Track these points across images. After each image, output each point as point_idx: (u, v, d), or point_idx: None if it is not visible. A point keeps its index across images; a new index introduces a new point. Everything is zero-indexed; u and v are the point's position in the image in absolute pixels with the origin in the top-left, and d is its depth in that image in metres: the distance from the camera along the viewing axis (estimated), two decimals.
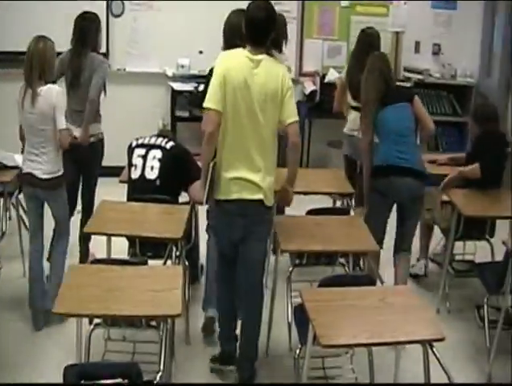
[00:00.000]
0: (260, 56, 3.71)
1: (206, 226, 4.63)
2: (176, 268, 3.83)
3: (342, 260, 4.32)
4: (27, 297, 4.56)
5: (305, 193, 5.03)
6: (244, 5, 3.79)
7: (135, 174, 4.58)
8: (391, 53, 7.28)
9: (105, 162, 6.99)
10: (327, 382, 3.91)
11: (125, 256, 4.28)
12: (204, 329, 4.42)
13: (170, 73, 7.17)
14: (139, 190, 4.51)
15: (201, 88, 6.87)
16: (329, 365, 3.91)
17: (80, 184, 5.30)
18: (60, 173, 4.49)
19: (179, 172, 4.56)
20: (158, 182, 4.51)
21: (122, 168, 4.97)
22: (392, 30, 7.43)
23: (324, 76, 7.23)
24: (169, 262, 4.08)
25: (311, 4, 7.34)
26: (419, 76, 7.52)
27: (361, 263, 4.82)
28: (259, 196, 3.73)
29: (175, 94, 7.05)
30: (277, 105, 3.70)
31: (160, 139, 4.67)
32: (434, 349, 3.13)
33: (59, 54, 4.75)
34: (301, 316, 3.45)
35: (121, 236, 4.15)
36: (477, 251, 5.22)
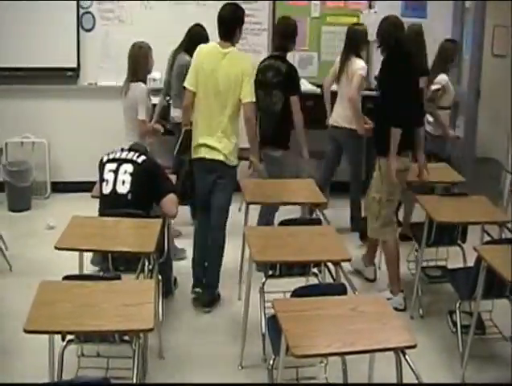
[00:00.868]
0: (227, 50, 4.80)
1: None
2: (149, 282, 3.81)
3: (315, 270, 4.34)
4: None
5: (278, 204, 5.06)
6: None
7: (107, 189, 4.56)
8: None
9: (77, 178, 7.06)
10: None
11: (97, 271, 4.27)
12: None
13: None
14: (111, 204, 4.50)
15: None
16: (303, 375, 3.91)
17: None
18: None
19: (150, 186, 4.56)
20: (129, 197, 4.51)
21: (94, 183, 4.96)
22: None
23: None
24: (142, 276, 4.06)
25: (283, 15, 7.35)
26: None
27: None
28: (219, 157, 4.83)
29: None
30: (237, 88, 4.73)
31: (132, 153, 4.66)
32: (406, 356, 3.14)
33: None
34: (274, 327, 3.45)
35: (93, 251, 4.14)
36: (449, 256, 5.27)
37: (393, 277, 5.11)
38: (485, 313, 4.59)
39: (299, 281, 4.17)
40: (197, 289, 5.04)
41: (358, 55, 6.18)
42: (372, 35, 7.27)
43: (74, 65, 7.21)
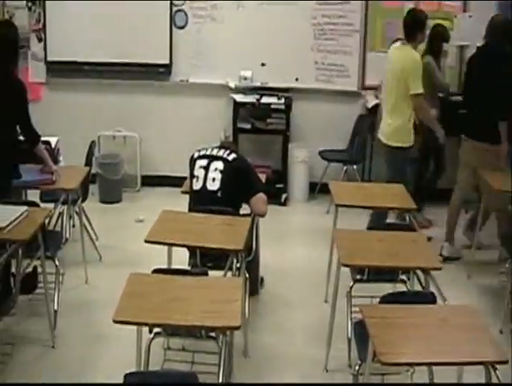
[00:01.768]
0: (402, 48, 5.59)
1: None
2: (237, 280, 3.83)
3: (404, 277, 4.27)
4: (88, 303, 4.63)
5: (367, 207, 5.00)
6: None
7: (197, 186, 4.60)
8: (456, 67, 7.17)
9: (167, 172, 7.17)
10: None
11: (185, 266, 4.31)
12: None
13: (232, 85, 7.20)
14: (201, 201, 4.53)
15: (264, 100, 6.95)
16: (389, 382, 3.86)
17: None
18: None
19: (240, 184, 4.57)
20: (219, 194, 4.53)
21: (184, 178, 5.02)
22: (457, 43, 7.30)
23: None
24: (229, 274, 4.08)
25: (375, 17, 7.28)
26: None
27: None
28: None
29: (237, 106, 7.06)
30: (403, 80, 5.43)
31: (222, 151, 4.68)
32: (497, 371, 3.05)
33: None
34: (361, 332, 3.41)
35: (182, 246, 4.17)
36: None
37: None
38: None
39: (386, 287, 4.11)
40: None
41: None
42: (464, 39, 7.16)
43: (166, 62, 7.29)
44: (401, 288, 4.25)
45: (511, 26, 5.53)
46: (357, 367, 3.54)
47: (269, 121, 6.99)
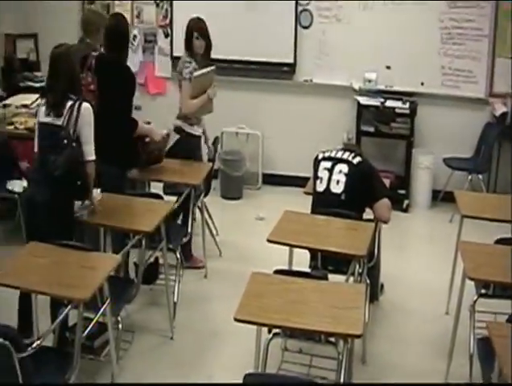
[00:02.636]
0: None
1: None
2: (359, 286, 3.78)
3: None
4: (207, 297, 4.68)
5: (493, 220, 4.81)
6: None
7: (321, 187, 4.57)
8: None
9: (288, 172, 7.19)
10: None
11: (304, 267, 4.29)
12: None
13: (356, 87, 7.13)
14: (324, 203, 4.50)
15: (388, 103, 6.84)
16: None
17: None
18: None
19: (364, 188, 4.50)
20: (343, 197, 4.48)
21: (304, 179, 5.00)
22: None
23: None
24: (351, 279, 4.04)
25: (505, 21, 7.02)
26: None
27: None
28: None
29: (360, 108, 6.98)
30: None
31: (347, 153, 4.63)
32: None
33: None
34: (486, 350, 3.29)
35: (304, 248, 4.16)
36: None
37: None
38: None
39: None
40: None
41: None
42: None
43: (291, 61, 7.31)
44: None
45: None
46: None
47: (393, 125, 6.88)
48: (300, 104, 7.40)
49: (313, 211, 4.58)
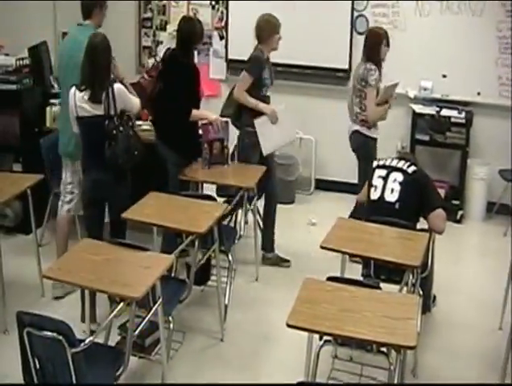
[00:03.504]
0: None
1: None
2: (412, 297, 3.73)
3: None
4: (258, 301, 4.67)
5: None
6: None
7: (375, 195, 4.54)
8: None
9: (340, 178, 7.14)
10: None
11: (355, 275, 4.26)
12: None
13: (411, 95, 7.05)
14: (378, 211, 4.46)
15: (444, 112, 6.76)
16: None
17: None
18: None
19: (419, 198, 4.46)
20: (397, 206, 4.44)
21: (356, 185, 4.98)
22: None
23: None
24: (404, 289, 3.99)
25: None
26: None
27: None
28: None
29: (415, 116, 6.90)
30: None
31: (402, 162, 4.59)
32: None
33: None
34: None
35: (357, 256, 4.13)
36: None
37: None
38: None
39: None
40: None
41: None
42: None
43: (345, 67, 7.27)
44: None
45: None
46: None
47: (448, 134, 6.77)
48: None
49: (367, 219, 4.54)
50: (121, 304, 3.47)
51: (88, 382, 3.11)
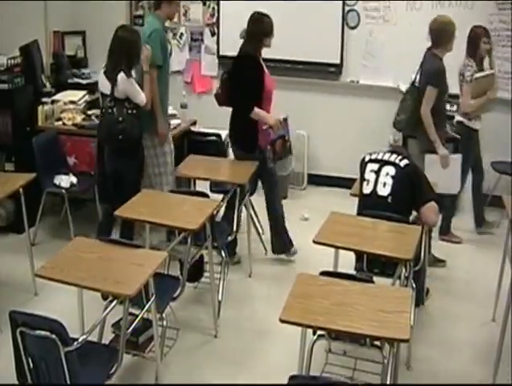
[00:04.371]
0: None
1: None
2: (405, 290, 3.72)
3: None
4: (252, 296, 4.69)
5: None
6: None
7: (367, 189, 4.54)
8: None
9: (333, 172, 7.14)
10: None
11: (348, 269, 4.26)
12: None
13: (403, 89, 7.03)
14: (370, 205, 4.47)
15: None
16: None
17: None
18: None
19: (411, 191, 4.45)
20: (389, 200, 4.44)
21: (349, 180, 4.97)
22: None
23: None
24: (397, 282, 4.00)
25: None
26: None
27: None
28: None
29: None
30: None
31: (394, 156, 4.58)
32: None
33: None
34: None
35: (350, 250, 4.13)
36: None
37: None
38: None
39: None
40: None
41: None
42: None
43: (337, 61, 7.28)
44: None
45: None
46: None
47: None
48: (346, 105, 7.36)
49: (359, 213, 4.55)
50: (115, 302, 3.47)
51: (82, 380, 3.11)
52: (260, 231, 5.83)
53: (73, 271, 3.52)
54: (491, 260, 5.21)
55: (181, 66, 7.79)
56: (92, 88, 7.08)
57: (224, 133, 6.08)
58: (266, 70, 5.49)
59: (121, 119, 4.98)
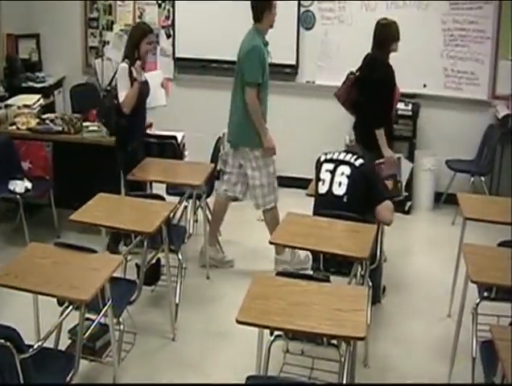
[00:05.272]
0: None
1: None
2: (361, 289, 3.75)
3: None
4: (209, 299, 4.67)
5: (495, 222, 4.81)
6: None
7: (323, 189, 4.56)
8: None
9: (291, 173, 7.16)
10: None
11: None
12: None
13: None
14: (326, 205, 4.49)
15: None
16: None
17: None
18: None
19: (367, 190, 4.48)
20: (345, 199, 4.46)
21: (306, 180, 4.99)
22: None
23: None
24: (353, 281, 4.03)
25: (508, 23, 7.00)
26: None
27: None
28: None
29: None
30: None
31: (349, 155, 4.61)
32: None
33: None
34: (488, 353, 3.28)
35: (306, 249, 4.15)
36: None
37: None
38: None
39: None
40: None
41: None
42: None
43: (293, 62, 7.32)
44: None
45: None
46: None
47: (395, 126, 6.83)
48: (303, 105, 7.40)
49: (315, 213, 4.56)
50: (71, 307, 3.44)
51: None
52: (217, 233, 5.79)
53: (28, 277, 3.46)
54: (446, 256, 5.27)
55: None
56: (46, 91, 7.03)
57: (180, 135, 6.05)
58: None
59: (108, 104, 5.40)
